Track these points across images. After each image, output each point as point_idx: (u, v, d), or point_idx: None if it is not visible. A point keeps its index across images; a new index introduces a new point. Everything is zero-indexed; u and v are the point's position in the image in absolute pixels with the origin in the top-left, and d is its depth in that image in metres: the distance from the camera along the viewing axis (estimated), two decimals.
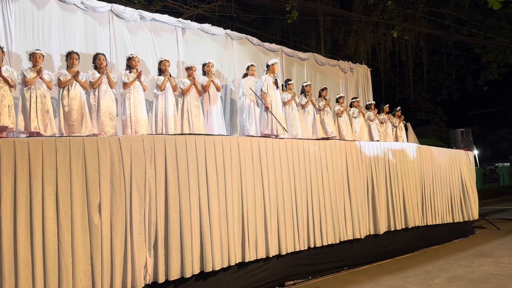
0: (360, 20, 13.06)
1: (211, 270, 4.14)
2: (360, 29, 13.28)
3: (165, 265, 3.91)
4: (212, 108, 5.87)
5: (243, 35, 7.55)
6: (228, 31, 7.23)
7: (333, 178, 5.68)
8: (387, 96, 13.84)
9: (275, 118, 5.59)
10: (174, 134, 4.66)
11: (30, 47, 4.99)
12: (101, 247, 3.55)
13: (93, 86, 4.92)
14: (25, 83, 4.50)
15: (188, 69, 5.80)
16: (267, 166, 4.91)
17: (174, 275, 3.92)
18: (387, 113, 8.73)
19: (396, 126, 8.80)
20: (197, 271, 4.07)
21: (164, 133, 5.24)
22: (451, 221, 7.61)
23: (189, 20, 6.90)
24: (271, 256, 4.72)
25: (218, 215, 4.32)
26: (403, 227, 6.61)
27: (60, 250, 3.37)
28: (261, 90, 5.79)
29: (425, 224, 6.99)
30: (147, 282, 3.81)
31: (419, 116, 17.97)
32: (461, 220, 7.88)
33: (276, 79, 5.88)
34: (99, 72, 4.98)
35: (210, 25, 6.98)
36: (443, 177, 7.56)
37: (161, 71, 5.54)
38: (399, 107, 9.06)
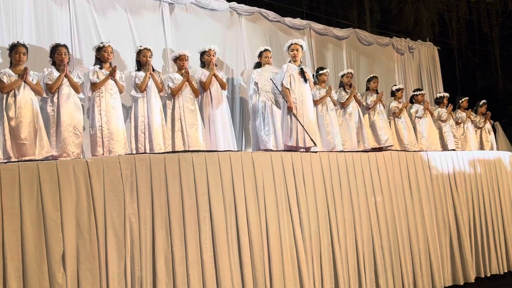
0: None
1: None
2: None
3: None
4: (216, 113, 5.89)
5: (255, 8, 7.59)
6: (234, 3, 7.29)
7: (390, 207, 5.60)
8: (464, 85, 13.63)
9: (301, 124, 5.57)
10: (163, 153, 4.69)
11: None
12: None
13: (50, 89, 4.98)
14: None
15: (178, 59, 5.84)
16: (295, 193, 4.90)
17: None
18: (466, 109, 8.62)
19: (481, 128, 8.66)
20: None
21: (148, 151, 5.27)
22: None
23: None
24: None
25: (228, 264, 4.32)
26: (505, 271, 6.52)
27: None
28: (282, 84, 5.79)
29: None
30: None
31: None
32: None
33: (302, 68, 5.88)
34: (58, 70, 5.07)
35: None
36: None
37: (140, 65, 5.59)
38: (483, 101, 8.92)
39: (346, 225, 5.24)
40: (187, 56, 5.86)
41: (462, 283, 6.16)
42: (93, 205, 3.83)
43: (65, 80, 5.05)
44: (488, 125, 8.76)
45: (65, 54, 5.08)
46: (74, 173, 3.81)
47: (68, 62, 5.10)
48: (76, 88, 5.11)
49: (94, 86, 5.20)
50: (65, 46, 5.16)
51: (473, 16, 13.80)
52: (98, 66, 5.30)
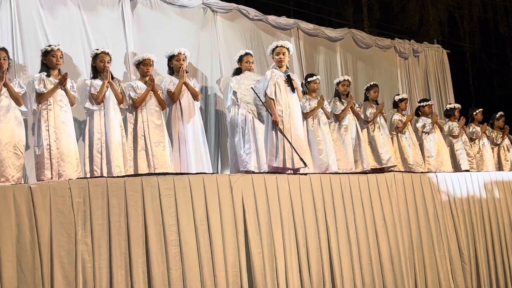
0: None
1: None
2: None
3: None
4: (187, 129, 5.91)
5: (233, 4, 7.66)
6: None
7: (394, 237, 5.63)
8: (479, 95, 13.82)
9: (288, 141, 5.59)
10: (123, 176, 4.66)
11: None
12: None
13: None
14: None
15: (141, 64, 5.84)
16: (280, 222, 4.89)
17: None
18: (481, 123, 8.71)
19: (499, 144, 8.76)
20: None
21: (105, 174, 5.26)
22: None
23: None
24: None
25: None
26: None
27: None
28: (266, 94, 5.81)
29: None
30: None
31: None
32: None
33: (289, 75, 5.91)
34: None
35: None
36: None
37: (97, 72, 5.60)
38: (501, 113, 9.03)
39: (342, 259, 5.22)
40: (152, 61, 5.87)
41: None
42: (38, 240, 3.76)
43: (4, 90, 5.01)
44: (507, 141, 8.84)
45: (4, 59, 5.05)
46: (14, 201, 3.75)
47: (8, 69, 5.07)
48: (17, 99, 5.07)
49: (41, 97, 5.19)
50: (4, 49, 5.14)
51: (488, 14, 13.98)
52: (45, 74, 5.30)
